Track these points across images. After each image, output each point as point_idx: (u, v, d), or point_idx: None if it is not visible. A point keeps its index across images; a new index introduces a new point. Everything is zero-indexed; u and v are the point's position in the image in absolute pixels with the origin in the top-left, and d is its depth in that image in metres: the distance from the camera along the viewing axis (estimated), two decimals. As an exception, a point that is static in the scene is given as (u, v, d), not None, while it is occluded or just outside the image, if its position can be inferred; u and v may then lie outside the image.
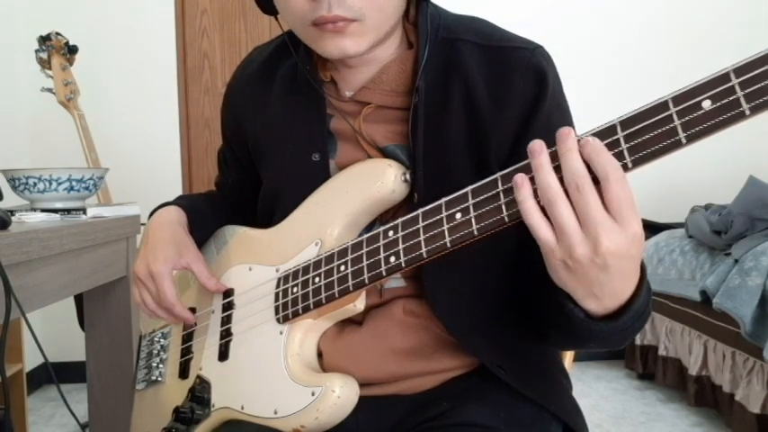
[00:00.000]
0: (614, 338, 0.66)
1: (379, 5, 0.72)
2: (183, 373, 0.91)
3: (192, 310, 0.93)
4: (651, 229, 2.99)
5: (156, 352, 0.97)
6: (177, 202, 0.95)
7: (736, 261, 2.16)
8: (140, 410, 0.99)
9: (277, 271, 0.82)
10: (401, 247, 0.69)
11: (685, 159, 3.18)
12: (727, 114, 0.51)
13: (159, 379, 0.95)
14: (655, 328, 2.79)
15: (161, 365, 0.95)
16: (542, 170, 0.56)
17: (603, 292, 0.59)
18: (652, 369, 2.79)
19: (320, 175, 0.81)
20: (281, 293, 0.80)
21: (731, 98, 0.51)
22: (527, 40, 0.80)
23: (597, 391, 2.77)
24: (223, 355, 0.85)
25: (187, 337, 0.93)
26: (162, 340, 0.97)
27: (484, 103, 0.76)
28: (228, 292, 0.88)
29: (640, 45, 3.19)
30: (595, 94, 3.04)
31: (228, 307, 0.87)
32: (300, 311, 0.77)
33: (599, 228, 0.54)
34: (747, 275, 2.08)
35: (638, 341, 2.86)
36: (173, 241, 0.88)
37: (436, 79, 0.77)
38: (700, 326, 2.43)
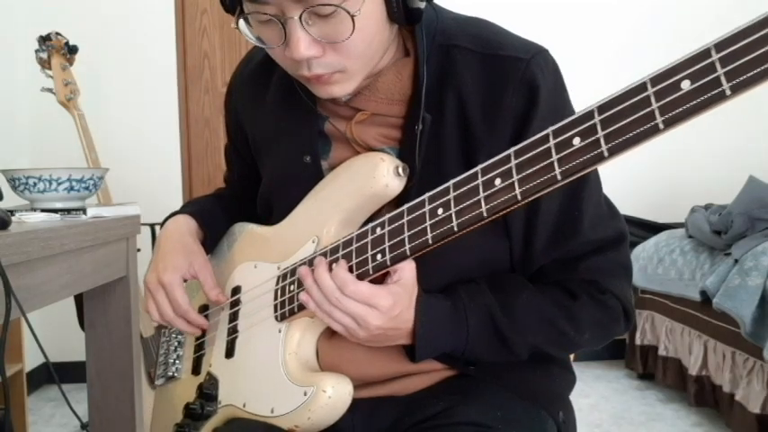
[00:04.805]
0: (484, 358, 0.78)
1: (358, 54, 0.71)
2: (196, 369, 0.92)
3: (206, 307, 0.94)
4: (651, 229, 2.98)
5: (173, 348, 0.98)
6: (187, 210, 0.95)
7: (736, 261, 2.16)
8: (158, 406, 1.00)
9: (278, 268, 0.82)
10: (387, 244, 0.69)
11: (685, 159, 3.20)
12: (706, 95, 0.47)
13: (176, 375, 0.96)
14: (655, 328, 2.79)
15: (177, 362, 0.97)
16: (312, 291, 0.72)
17: (396, 340, 0.75)
18: (652, 369, 2.79)
19: (311, 177, 0.81)
20: (279, 291, 0.80)
21: (711, 77, 0.46)
22: (526, 45, 0.75)
23: (597, 390, 2.77)
24: (229, 352, 0.86)
25: (200, 334, 0.94)
26: (179, 336, 0.99)
27: (477, 116, 0.74)
28: (236, 289, 0.89)
29: (639, 45, 3.19)
30: (595, 94, 3.03)
31: (236, 304, 0.88)
32: (296, 309, 0.77)
33: (364, 318, 0.69)
34: (747, 275, 2.08)
35: (638, 341, 2.86)
36: (182, 251, 0.89)
37: (430, 88, 0.75)
38: (700, 326, 2.43)
